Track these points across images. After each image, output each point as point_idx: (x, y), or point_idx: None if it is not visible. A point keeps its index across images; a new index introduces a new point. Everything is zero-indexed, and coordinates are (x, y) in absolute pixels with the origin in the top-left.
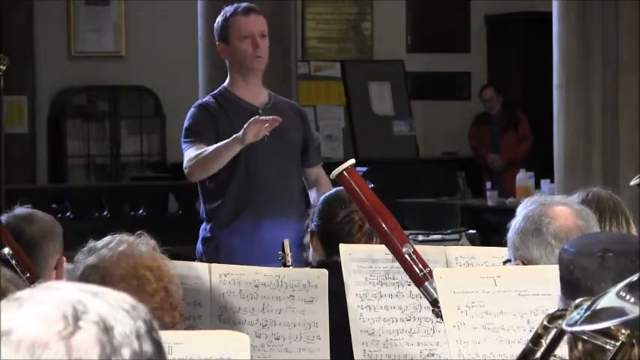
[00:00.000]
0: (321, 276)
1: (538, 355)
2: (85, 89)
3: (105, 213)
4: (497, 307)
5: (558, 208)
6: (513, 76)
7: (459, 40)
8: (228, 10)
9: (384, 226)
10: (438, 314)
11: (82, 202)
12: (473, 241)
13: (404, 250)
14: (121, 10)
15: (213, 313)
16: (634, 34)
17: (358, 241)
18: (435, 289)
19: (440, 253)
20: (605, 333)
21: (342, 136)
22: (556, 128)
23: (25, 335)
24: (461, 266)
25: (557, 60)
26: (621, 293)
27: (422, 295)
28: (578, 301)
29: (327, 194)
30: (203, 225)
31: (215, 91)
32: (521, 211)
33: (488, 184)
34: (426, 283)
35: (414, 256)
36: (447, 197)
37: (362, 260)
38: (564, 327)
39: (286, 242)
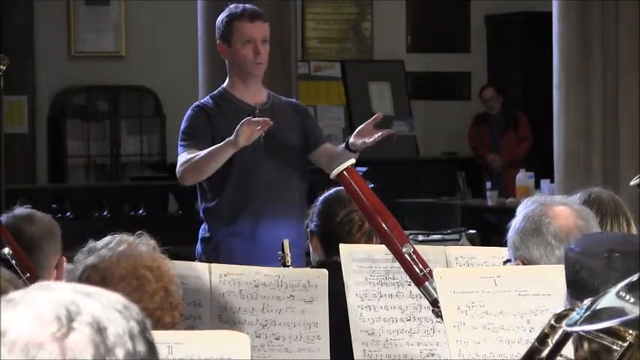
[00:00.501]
0: (321, 276)
1: (544, 354)
2: (85, 89)
3: (105, 213)
4: (497, 307)
5: (558, 208)
6: (513, 76)
7: (459, 40)
8: (233, 10)
9: (384, 225)
10: (438, 314)
11: (82, 202)
12: (473, 241)
13: (404, 249)
14: (121, 10)
15: (213, 313)
16: (634, 34)
17: (358, 241)
18: (435, 289)
19: (440, 253)
20: (613, 333)
21: (342, 136)
22: (556, 128)
23: (20, 336)
24: (461, 266)
25: (557, 60)
26: (621, 293)
27: (422, 295)
28: (586, 301)
29: (326, 194)
30: (202, 225)
31: (214, 92)
32: (522, 211)
33: (488, 184)
34: (426, 283)
35: (414, 256)
36: (447, 197)
37: (362, 260)
38: (564, 327)
39: (286, 242)
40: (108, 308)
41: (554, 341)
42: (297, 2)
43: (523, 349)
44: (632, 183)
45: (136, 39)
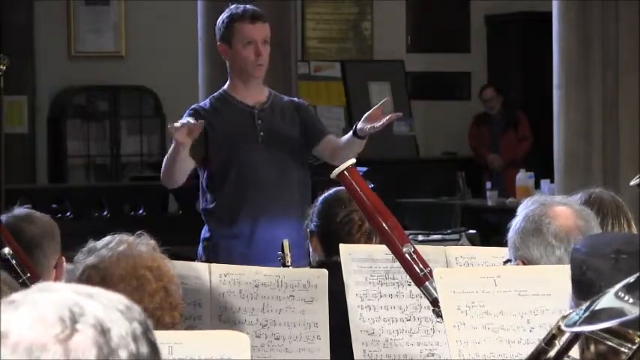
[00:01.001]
0: (321, 276)
1: (551, 354)
2: (85, 89)
3: (105, 213)
4: (497, 307)
5: (558, 208)
6: (513, 76)
7: (458, 40)
8: (234, 11)
9: (384, 225)
10: (438, 314)
11: (82, 202)
12: (473, 241)
13: (404, 249)
14: (121, 10)
15: (213, 313)
16: (634, 34)
17: (358, 241)
18: (435, 288)
19: (440, 253)
20: (621, 335)
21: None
22: (556, 128)
23: (23, 338)
24: (461, 266)
25: (557, 60)
26: (620, 294)
27: (422, 295)
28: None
29: (326, 194)
30: (204, 227)
31: (214, 94)
32: (522, 211)
33: (488, 184)
34: (427, 282)
35: (414, 256)
36: (447, 197)
37: (362, 260)
38: (563, 327)
39: (285, 242)
40: (110, 309)
41: (562, 342)
42: (297, 2)
43: (523, 349)
44: (632, 183)
45: (136, 39)
